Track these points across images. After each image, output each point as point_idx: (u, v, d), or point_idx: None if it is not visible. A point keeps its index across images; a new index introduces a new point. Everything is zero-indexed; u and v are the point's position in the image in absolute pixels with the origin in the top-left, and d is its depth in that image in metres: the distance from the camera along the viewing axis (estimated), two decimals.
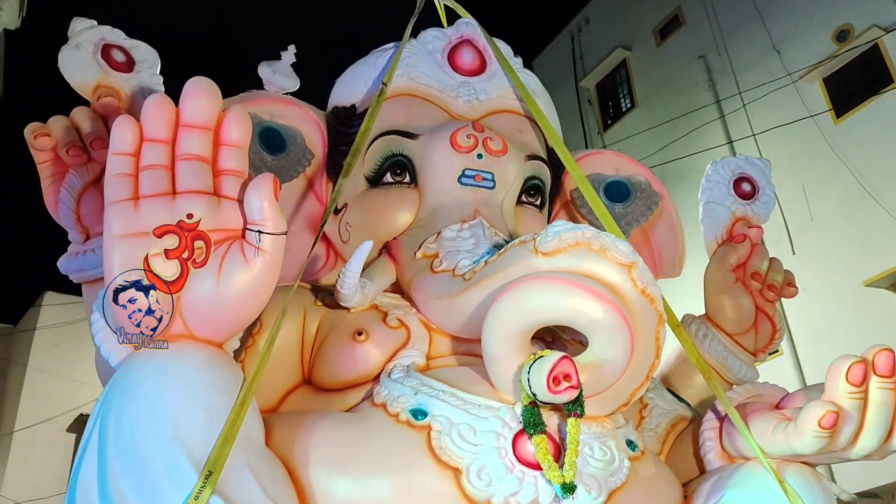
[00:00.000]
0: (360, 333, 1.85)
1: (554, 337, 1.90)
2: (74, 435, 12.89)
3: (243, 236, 1.59)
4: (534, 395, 1.54)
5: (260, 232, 1.56)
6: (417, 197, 2.23)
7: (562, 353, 1.52)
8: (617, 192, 2.54)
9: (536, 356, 1.57)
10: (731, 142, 12.87)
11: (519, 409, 1.59)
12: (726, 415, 1.95)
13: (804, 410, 1.70)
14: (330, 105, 2.48)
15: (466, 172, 2.19)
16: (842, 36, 11.88)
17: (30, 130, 2.27)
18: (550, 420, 1.58)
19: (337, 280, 1.90)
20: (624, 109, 15.92)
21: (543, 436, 1.53)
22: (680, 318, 2.28)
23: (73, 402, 12.77)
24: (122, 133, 1.58)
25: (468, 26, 2.51)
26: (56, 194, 2.29)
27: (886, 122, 10.98)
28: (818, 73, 12.03)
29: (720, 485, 1.84)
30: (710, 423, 2.02)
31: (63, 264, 2.28)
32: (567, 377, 1.49)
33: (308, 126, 2.36)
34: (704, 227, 2.71)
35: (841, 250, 11.04)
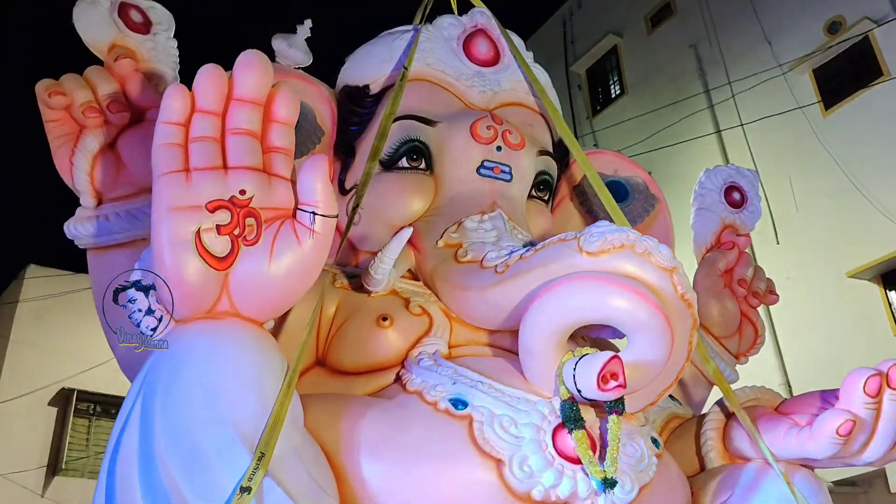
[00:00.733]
0: (384, 319, 1.86)
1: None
2: (56, 408, 12.81)
3: (293, 216, 1.59)
4: (578, 391, 1.56)
5: (314, 213, 1.56)
6: (433, 184, 2.23)
7: (612, 353, 1.55)
8: (616, 192, 2.56)
9: (580, 354, 1.60)
10: (719, 131, 12.90)
11: (556, 404, 1.62)
12: (731, 415, 2.03)
13: (822, 417, 1.82)
14: (340, 83, 2.45)
15: (485, 164, 2.20)
16: (833, 28, 11.92)
17: (42, 87, 2.17)
18: (587, 415, 1.61)
19: (371, 264, 1.90)
20: (614, 96, 15.88)
21: (583, 431, 1.56)
22: None
23: (56, 376, 12.63)
24: (175, 101, 1.55)
25: (482, 16, 2.50)
26: (69, 156, 2.20)
27: (875, 115, 11.04)
28: (808, 65, 12.07)
29: (727, 484, 1.91)
30: (712, 422, 2.09)
31: (70, 228, 2.20)
32: (614, 376, 1.51)
33: (320, 103, 2.33)
34: (695, 231, 2.81)
35: (824, 241, 11.13)
